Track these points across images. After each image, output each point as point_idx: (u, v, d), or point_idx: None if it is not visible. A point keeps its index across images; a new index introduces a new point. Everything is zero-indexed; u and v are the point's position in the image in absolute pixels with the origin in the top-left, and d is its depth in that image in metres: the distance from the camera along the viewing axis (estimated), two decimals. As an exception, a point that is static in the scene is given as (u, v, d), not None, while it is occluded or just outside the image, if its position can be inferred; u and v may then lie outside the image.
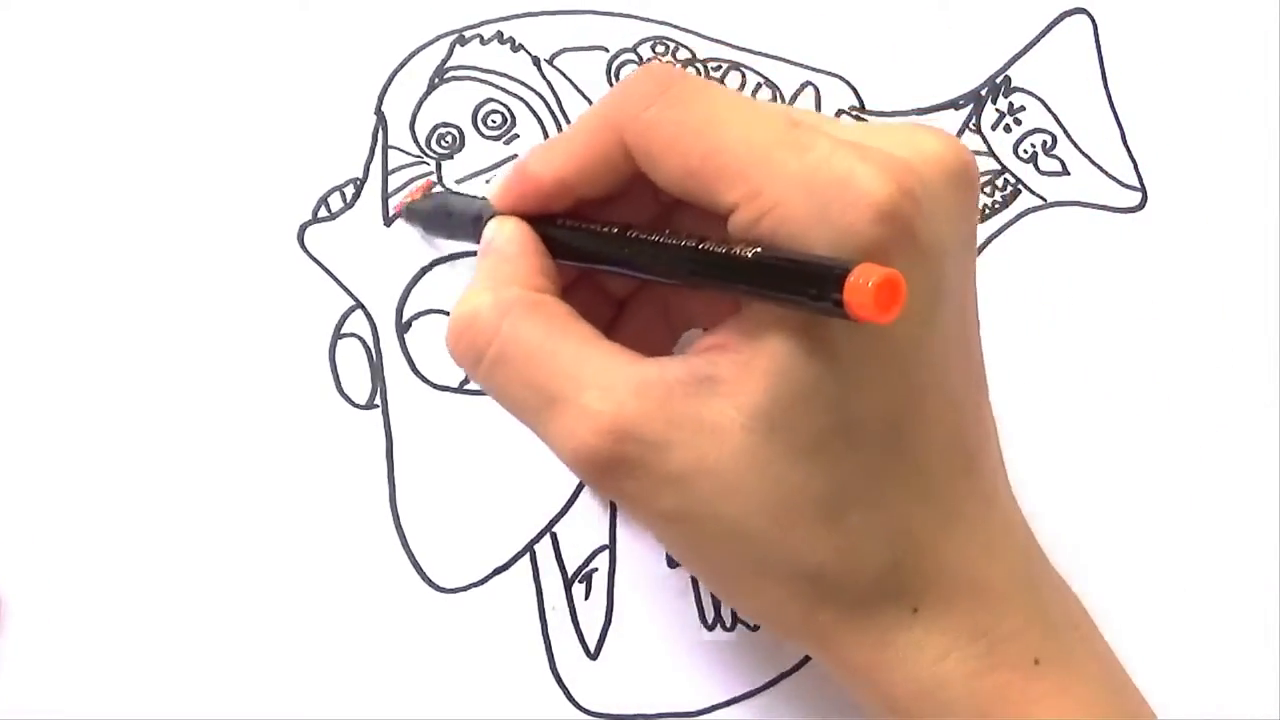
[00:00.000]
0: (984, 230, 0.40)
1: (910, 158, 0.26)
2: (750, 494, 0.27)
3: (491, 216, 0.31)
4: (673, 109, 0.27)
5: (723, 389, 0.26)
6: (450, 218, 0.35)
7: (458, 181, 0.39)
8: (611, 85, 0.40)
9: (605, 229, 0.29)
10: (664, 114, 0.27)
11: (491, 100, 0.40)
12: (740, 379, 0.26)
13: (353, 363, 0.38)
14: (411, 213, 0.38)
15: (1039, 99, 0.41)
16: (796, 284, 0.24)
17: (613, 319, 0.34)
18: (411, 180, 0.39)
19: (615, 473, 0.27)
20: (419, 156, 0.39)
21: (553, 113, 0.40)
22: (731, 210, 0.26)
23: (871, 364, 0.26)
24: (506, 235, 0.31)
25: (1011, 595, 0.28)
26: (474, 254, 0.32)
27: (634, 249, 0.28)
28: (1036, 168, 0.41)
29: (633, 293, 0.34)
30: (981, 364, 0.30)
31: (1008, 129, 0.41)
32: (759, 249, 0.25)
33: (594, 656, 0.36)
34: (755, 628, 0.37)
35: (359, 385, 0.38)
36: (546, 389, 0.28)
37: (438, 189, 0.39)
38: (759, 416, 0.26)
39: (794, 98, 0.40)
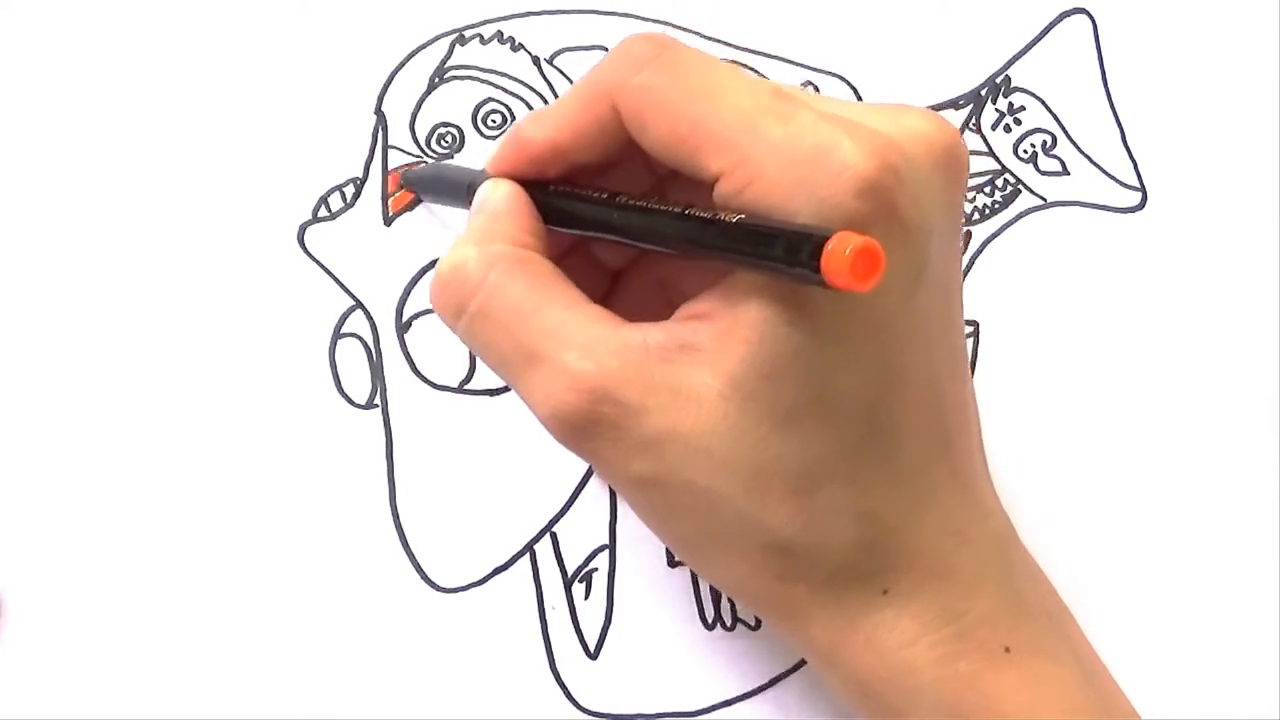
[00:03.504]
0: (984, 230, 0.40)
1: (895, 134, 0.26)
2: (722, 463, 0.26)
3: (486, 180, 0.31)
4: (663, 75, 0.27)
5: (701, 356, 0.26)
6: (447, 183, 0.35)
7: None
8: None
9: (595, 194, 0.29)
10: (654, 80, 0.27)
11: (491, 100, 0.40)
12: (719, 347, 0.26)
13: (353, 363, 0.38)
14: (410, 179, 0.38)
15: (1039, 99, 0.41)
16: (776, 250, 0.24)
17: (607, 291, 0.34)
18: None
19: (589, 433, 0.27)
20: (419, 156, 0.39)
21: (553, 113, 0.39)
22: (716, 179, 0.26)
23: (852, 339, 0.26)
24: (499, 195, 0.30)
25: (984, 581, 0.28)
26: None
27: (622, 214, 0.28)
28: (1036, 168, 0.41)
29: (628, 265, 0.34)
30: (964, 347, 0.30)
31: (1008, 129, 0.41)
32: (742, 216, 0.25)
33: (594, 656, 0.36)
34: (755, 628, 0.37)
35: (359, 385, 0.38)
36: (527, 345, 0.28)
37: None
38: (735, 385, 0.26)
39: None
